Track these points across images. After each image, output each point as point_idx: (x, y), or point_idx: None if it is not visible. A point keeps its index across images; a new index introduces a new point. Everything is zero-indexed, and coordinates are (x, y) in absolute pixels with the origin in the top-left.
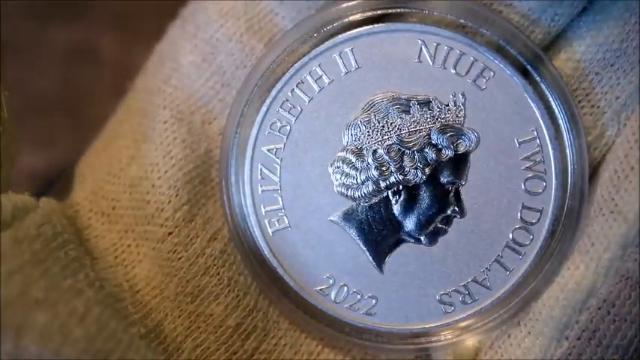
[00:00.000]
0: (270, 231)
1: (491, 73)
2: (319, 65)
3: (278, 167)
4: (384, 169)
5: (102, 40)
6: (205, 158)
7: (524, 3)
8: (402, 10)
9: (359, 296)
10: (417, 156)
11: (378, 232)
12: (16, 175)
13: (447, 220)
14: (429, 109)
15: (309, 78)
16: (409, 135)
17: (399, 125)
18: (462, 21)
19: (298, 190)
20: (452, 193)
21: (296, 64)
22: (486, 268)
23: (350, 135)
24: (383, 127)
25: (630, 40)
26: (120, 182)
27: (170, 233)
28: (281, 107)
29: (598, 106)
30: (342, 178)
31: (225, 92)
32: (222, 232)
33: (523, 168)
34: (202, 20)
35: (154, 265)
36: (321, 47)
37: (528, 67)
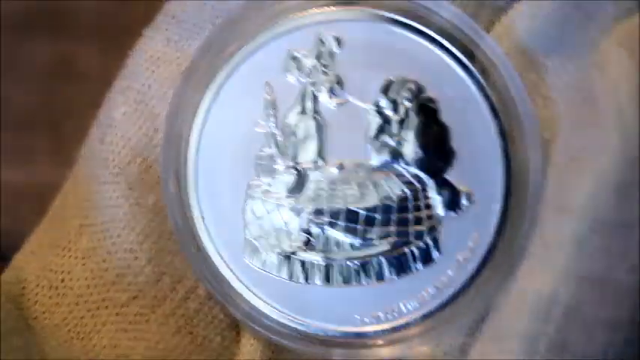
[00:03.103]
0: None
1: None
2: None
3: None
4: None
5: (83, 55)
6: (157, 209)
7: None
8: None
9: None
10: None
11: None
12: None
13: None
14: None
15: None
16: None
17: None
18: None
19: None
20: None
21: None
22: None
23: None
24: None
25: (568, 23)
26: (71, 255)
27: (135, 297)
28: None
29: (549, 98)
30: None
31: (158, 137)
32: (196, 291)
33: None
34: (133, 70)
35: (117, 332)
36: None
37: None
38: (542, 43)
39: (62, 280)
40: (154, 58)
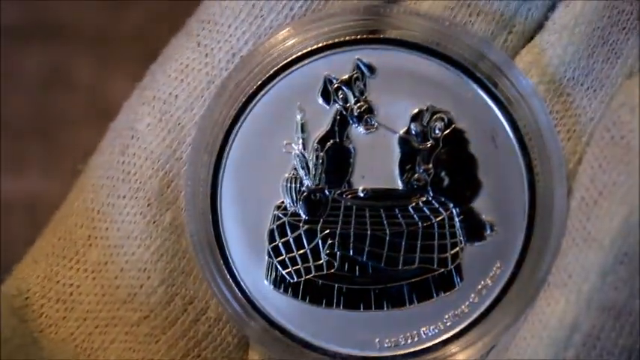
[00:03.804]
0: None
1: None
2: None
3: None
4: None
5: (76, 65)
6: (172, 228)
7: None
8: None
9: None
10: None
11: None
12: None
13: None
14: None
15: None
16: None
17: None
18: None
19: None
20: None
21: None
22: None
23: None
24: None
25: (596, 56)
26: (79, 267)
27: (146, 317)
28: None
29: (574, 131)
30: None
31: (181, 150)
32: (207, 314)
33: None
34: (161, 81)
35: (126, 350)
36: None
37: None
38: (570, 75)
39: (71, 294)
40: (183, 66)
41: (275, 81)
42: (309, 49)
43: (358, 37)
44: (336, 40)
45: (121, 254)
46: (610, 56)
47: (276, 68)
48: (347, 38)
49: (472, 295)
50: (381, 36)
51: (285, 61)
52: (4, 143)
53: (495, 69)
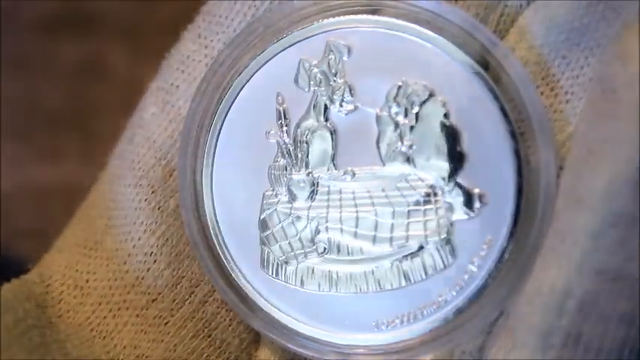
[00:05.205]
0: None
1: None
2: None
3: None
4: None
5: (111, 55)
6: (177, 214)
7: None
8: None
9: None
10: None
11: None
12: (24, 189)
13: None
14: None
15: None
16: None
17: None
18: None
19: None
20: None
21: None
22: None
23: None
24: None
25: (591, 14)
26: (97, 255)
27: (154, 300)
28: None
29: (572, 92)
30: None
31: None
32: (214, 295)
33: None
34: (164, 71)
35: (137, 333)
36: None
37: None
38: (566, 36)
39: (87, 281)
40: (184, 57)
41: (252, 72)
42: (283, 34)
43: (333, 18)
44: (309, 25)
45: (129, 240)
46: (607, 14)
47: (252, 60)
48: (321, 20)
49: (466, 270)
50: (356, 16)
51: (261, 52)
52: (40, 132)
53: (476, 42)
